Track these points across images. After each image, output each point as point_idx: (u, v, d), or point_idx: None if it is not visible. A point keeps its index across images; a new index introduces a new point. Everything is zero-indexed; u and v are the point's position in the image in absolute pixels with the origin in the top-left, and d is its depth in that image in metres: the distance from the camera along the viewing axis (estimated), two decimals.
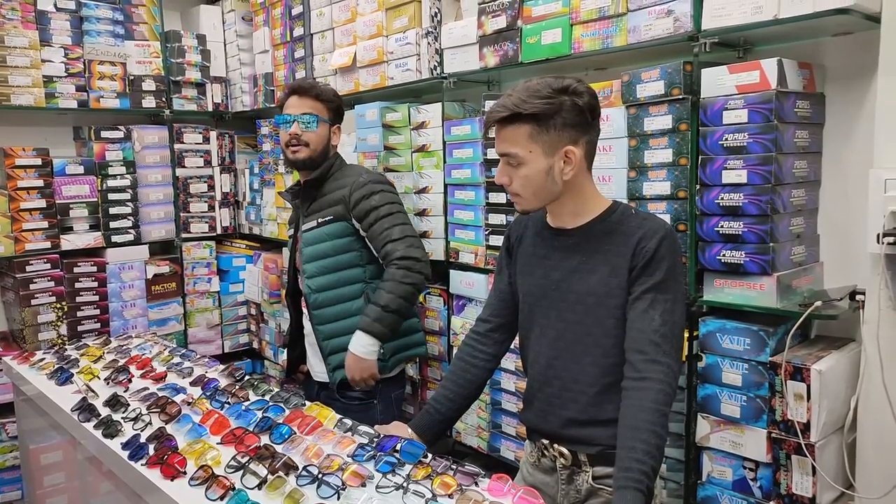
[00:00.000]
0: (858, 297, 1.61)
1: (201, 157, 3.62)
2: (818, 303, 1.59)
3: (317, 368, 2.27)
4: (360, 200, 2.13)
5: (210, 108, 3.66)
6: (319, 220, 2.19)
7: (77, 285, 3.20)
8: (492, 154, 2.21)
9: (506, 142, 1.41)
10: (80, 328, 3.20)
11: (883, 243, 1.47)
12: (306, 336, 2.29)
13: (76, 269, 3.19)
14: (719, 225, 1.70)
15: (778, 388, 1.62)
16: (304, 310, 2.26)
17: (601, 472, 1.44)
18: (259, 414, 1.71)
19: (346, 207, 2.14)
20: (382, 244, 2.11)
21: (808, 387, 1.57)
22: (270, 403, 1.77)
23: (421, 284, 2.13)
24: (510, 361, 2.19)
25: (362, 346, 2.02)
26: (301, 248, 2.21)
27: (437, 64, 2.44)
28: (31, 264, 3.07)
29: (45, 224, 3.12)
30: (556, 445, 1.51)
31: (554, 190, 1.44)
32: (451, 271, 2.42)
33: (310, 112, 2.17)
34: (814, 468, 1.59)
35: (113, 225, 3.32)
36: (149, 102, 3.42)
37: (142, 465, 1.53)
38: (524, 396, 1.64)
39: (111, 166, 3.30)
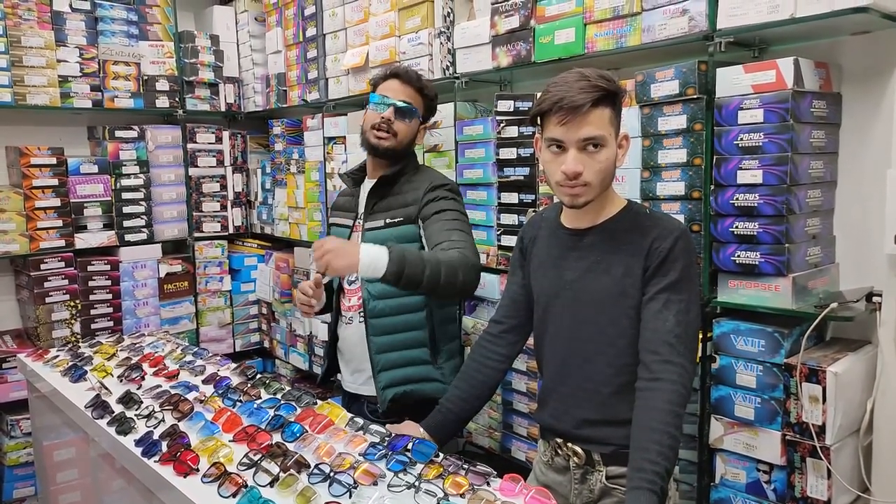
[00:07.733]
0: (875, 298, 1.60)
1: (214, 156, 3.64)
2: (834, 304, 1.57)
3: (348, 378, 2.09)
4: (430, 201, 1.94)
5: (223, 108, 3.68)
6: (388, 221, 1.96)
7: (91, 283, 3.23)
8: (504, 154, 2.21)
9: (591, 125, 1.34)
10: (93, 326, 3.23)
11: None
12: (340, 342, 2.10)
13: (90, 268, 3.23)
14: (734, 225, 1.68)
15: (793, 390, 1.61)
16: (344, 312, 2.07)
17: (615, 472, 1.44)
18: (271, 412, 1.71)
19: (418, 207, 1.94)
20: (438, 242, 1.82)
21: (824, 389, 1.56)
22: (282, 402, 1.78)
23: (463, 287, 1.75)
24: (522, 362, 2.19)
25: (372, 257, 1.59)
26: None
27: (449, 64, 2.44)
28: (46, 262, 3.11)
29: (59, 223, 3.14)
30: (569, 444, 1.50)
31: (611, 179, 1.43)
32: None
33: (409, 102, 2.00)
34: (829, 471, 1.57)
35: (126, 224, 3.35)
36: (162, 102, 3.45)
37: (154, 461, 1.54)
38: (539, 396, 1.64)
39: (125, 165, 3.33)
